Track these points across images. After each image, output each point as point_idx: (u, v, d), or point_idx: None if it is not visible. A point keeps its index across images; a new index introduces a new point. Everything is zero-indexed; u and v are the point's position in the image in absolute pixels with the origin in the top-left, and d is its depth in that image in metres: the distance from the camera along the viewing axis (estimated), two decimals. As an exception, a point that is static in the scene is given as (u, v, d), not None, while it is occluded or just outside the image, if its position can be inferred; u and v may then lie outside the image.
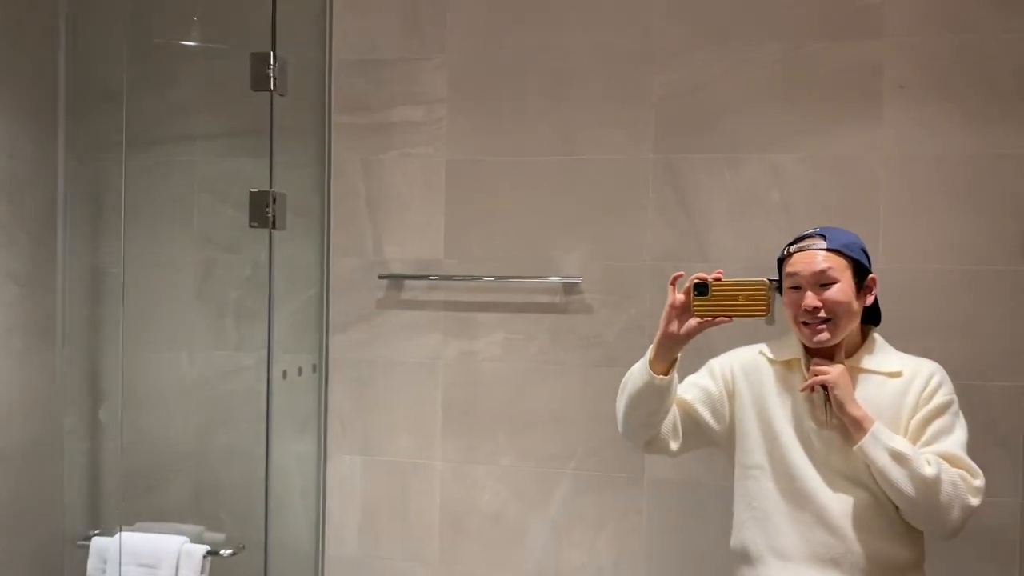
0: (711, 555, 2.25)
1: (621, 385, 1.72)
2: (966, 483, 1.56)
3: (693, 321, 1.58)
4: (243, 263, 2.57)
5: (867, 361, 1.68)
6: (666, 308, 1.61)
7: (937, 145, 2.15)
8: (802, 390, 1.65)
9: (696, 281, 1.57)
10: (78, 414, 2.62)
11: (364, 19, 2.48)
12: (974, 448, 1.63)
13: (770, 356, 1.74)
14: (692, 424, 1.76)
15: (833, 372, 1.60)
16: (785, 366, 1.72)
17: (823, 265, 1.62)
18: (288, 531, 2.51)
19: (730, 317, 1.56)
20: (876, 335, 1.73)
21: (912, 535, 1.63)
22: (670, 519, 2.31)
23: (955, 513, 1.55)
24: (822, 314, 1.61)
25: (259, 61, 2.18)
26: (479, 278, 2.41)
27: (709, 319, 1.56)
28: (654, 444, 1.74)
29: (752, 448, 1.71)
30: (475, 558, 2.44)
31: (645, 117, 2.32)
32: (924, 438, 1.60)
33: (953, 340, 2.11)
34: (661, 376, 1.62)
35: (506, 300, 2.41)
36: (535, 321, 2.40)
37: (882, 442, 1.55)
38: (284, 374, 2.34)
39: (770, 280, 1.63)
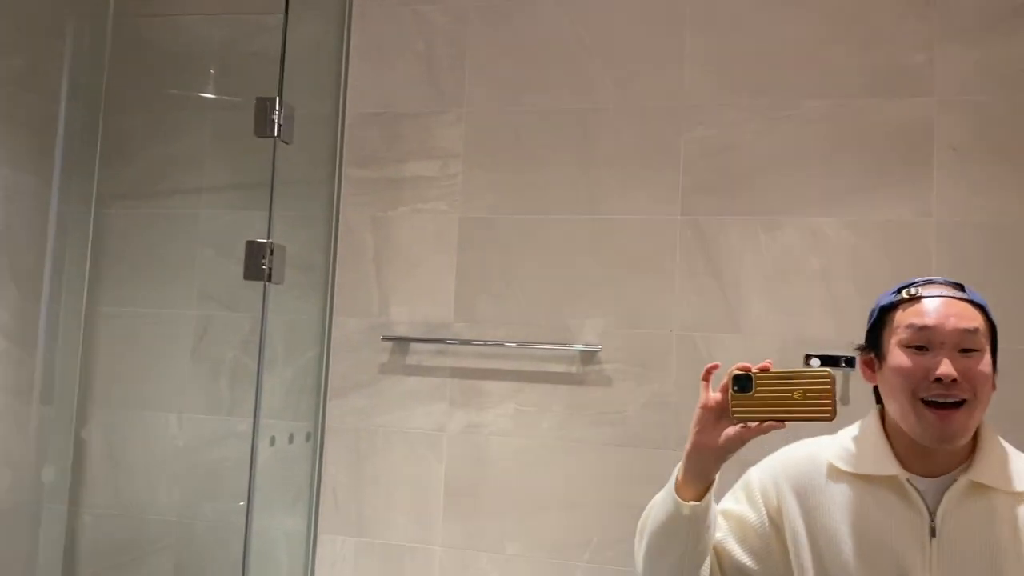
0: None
1: (640, 523, 1.25)
2: None
3: (732, 429, 1.12)
4: (242, 321, 2.43)
5: (991, 475, 1.14)
6: (697, 411, 1.15)
7: (992, 212, 1.96)
8: None
9: (736, 372, 1.12)
10: (59, 476, 2.45)
11: (381, 72, 2.38)
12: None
13: (848, 468, 1.20)
14: (735, 572, 1.25)
15: None
16: (866, 482, 1.18)
17: (971, 323, 1.13)
18: (271, 617, 2.27)
19: (782, 421, 1.11)
20: (990, 430, 1.20)
21: None
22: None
23: None
24: (960, 390, 1.10)
25: (264, 106, 2.07)
26: (490, 343, 2.23)
27: (754, 424, 1.12)
28: None
29: None
30: (474, 658, 2.18)
31: (672, 176, 2.16)
32: None
33: None
34: (693, 503, 1.14)
35: (518, 368, 2.22)
36: (549, 392, 2.20)
37: None
38: (272, 441, 2.15)
39: (833, 370, 1.26)
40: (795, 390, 1.10)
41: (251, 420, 2.11)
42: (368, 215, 2.36)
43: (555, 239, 2.23)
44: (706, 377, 1.17)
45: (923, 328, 1.13)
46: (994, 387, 1.15)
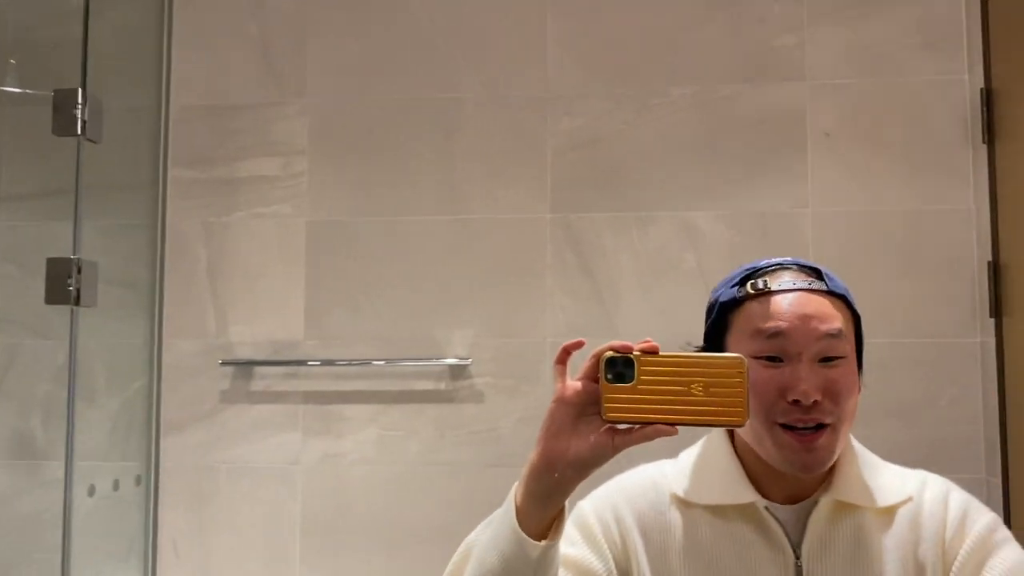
0: None
1: (452, 567, 0.94)
2: None
3: (602, 433, 0.78)
4: (55, 349, 2.09)
5: (854, 491, 0.95)
6: (551, 406, 0.80)
7: (869, 200, 1.90)
8: None
9: (610, 355, 0.78)
10: None
11: (209, 59, 2.09)
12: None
13: (695, 499, 0.97)
14: None
15: None
16: (717, 515, 0.96)
17: (832, 325, 0.91)
18: None
19: (674, 424, 0.77)
20: (855, 442, 1.01)
21: None
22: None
23: None
24: (822, 413, 0.90)
25: (64, 99, 1.76)
26: (347, 363, 1.99)
27: (636, 428, 0.77)
28: None
29: None
30: None
31: (540, 171, 1.99)
32: None
33: (896, 428, 1.82)
34: (545, 542, 0.80)
35: (380, 388, 2.00)
36: (416, 413, 1.99)
37: None
38: (91, 490, 1.85)
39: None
40: (693, 382, 0.77)
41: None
42: (199, 221, 2.07)
43: (416, 243, 2.02)
44: (562, 360, 0.82)
45: (775, 335, 0.91)
46: (859, 389, 0.94)
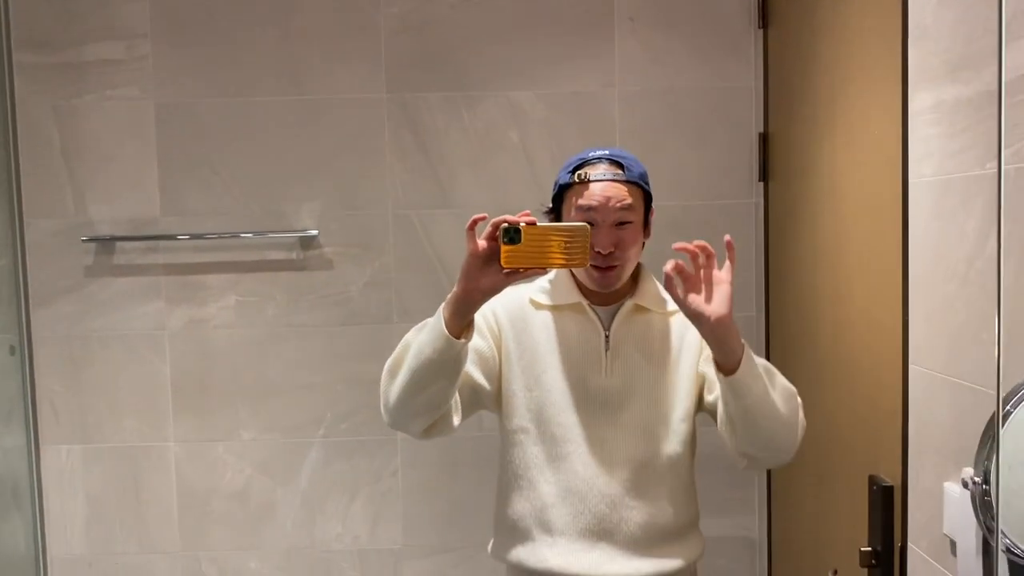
0: (470, 511, 2.18)
1: (391, 364, 1.37)
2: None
3: (498, 274, 1.26)
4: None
5: (649, 300, 1.47)
6: (467, 258, 1.27)
7: (668, 79, 2.14)
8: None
9: (505, 225, 1.24)
10: None
11: (44, -61, 2.11)
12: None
13: (543, 301, 1.48)
14: (469, 391, 1.44)
15: (715, 306, 1.27)
16: (559, 311, 1.47)
17: (624, 201, 1.38)
18: (1, 535, 2.18)
19: (544, 268, 1.30)
20: (646, 270, 1.52)
21: (691, 492, 1.50)
22: (427, 477, 2.22)
23: (800, 431, 1.37)
24: (613, 258, 1.39)
25: None
26: (203, 236, 2.16)
27: (521, 270, 1.26)
28: (437, 426, 1.40)
29: (518, 409, 1.46)
30: (222, 542, 2.24)
31: (375, 53, 2.14)
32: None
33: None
34: (464, 340, 1.29)
35: (236, 259, 2.18)
36: (270, 280, 2.19)
37: (755, 361, 1.31)
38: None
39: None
40: (555, 241, 1.26)
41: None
42: (49, 105, 2.15)
43: (262, 122, 2.16)
44: (471, 227, 1.27)
45: (588, 210, 1.39)
46: (648, 236, 1.46)
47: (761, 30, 2.07)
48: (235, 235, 2.16)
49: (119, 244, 2.17)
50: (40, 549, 2.24)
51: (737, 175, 2.14)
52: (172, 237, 2.16)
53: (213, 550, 2.24)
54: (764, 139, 2.09)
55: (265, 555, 2.23)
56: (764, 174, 2.10)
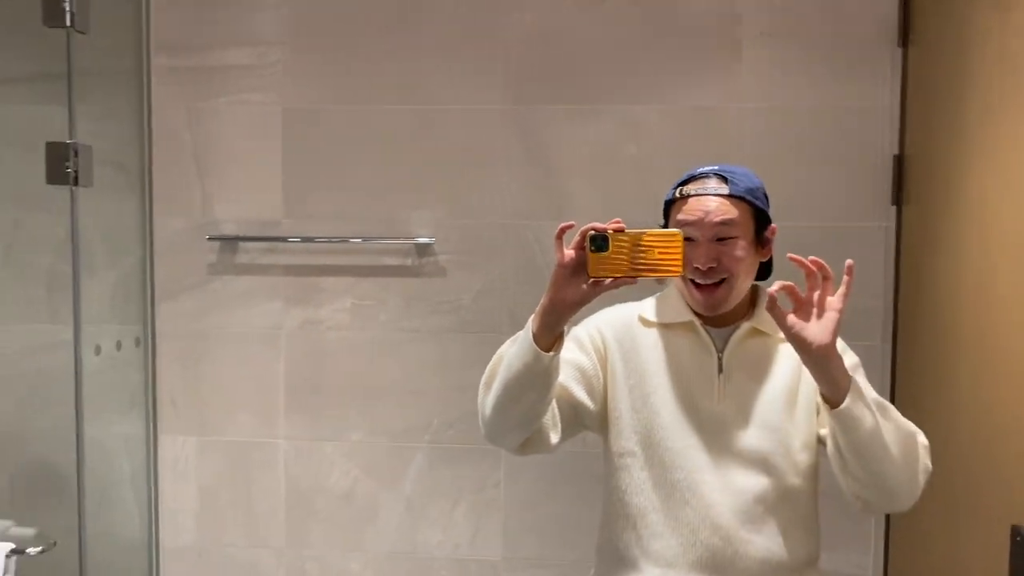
0: (570, 528, 2.16)
1: (487, 376, 1.33)
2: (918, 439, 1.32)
3: (587, 284, 1.21)
4: (56, 224, 2.28)
5: (767, 324, 1.38)
6: (555, 269, 1.22)
7: (797, 96, 2.08)
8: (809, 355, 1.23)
9: (592, 233, 1.18)
10: None
11: (186, -52, 2.20)
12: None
13: (652, 319, 1.43)
14: (570, 409, 1.40)
15: (819, 334, 1.22)
16: (669, 330, 1.41)
17: (725, 216, 1.32)
18: (117, 521, 2.27)
19: (635, 277, 1.19)
20: (765, 292, 1.42)
21: (811, 528, 1.40)
22: (528, 491, 2.20)
23: (922, 477, 1.29)
24: (715, 273, 1.33)
25: (52, -10, 1.88)
26: (322, 239, 2.20)
27: (610, 280, 1.19)
28: (532, 443, 1.36)
29: (624, 431, 1.39)
30: (325, 541, 2.27)
31: (496, 63, 2.15)
32: None
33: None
34: (552, 353, 1.24)
35: (353, 263, 2.22)
36: (385, 285, 2.22)
37: (864, 394, 1.24)
38: (97, 349, 2.08)
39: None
40: (647, 248, 1.18)
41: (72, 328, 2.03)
42: (183, 107, 2.23)
43: (383, 130, 2.19)
44: (559, 236, 1.22)
45: (686, 224, 1.34)
46: (765, 255, 1.40)
47: (900, 48, 1.98)
48: (353, 240, 2.20)
49: (242, 244, 2.23)
50: (153, 536, 2.32)
51: (868, 197, 2.06)
52: (292, 239, 2.21)
53: (316, 548, 2.27)
54: (899, 161, 2.00)
55: (367, 558, 2.26)
56: (898, 197, 2.01)
